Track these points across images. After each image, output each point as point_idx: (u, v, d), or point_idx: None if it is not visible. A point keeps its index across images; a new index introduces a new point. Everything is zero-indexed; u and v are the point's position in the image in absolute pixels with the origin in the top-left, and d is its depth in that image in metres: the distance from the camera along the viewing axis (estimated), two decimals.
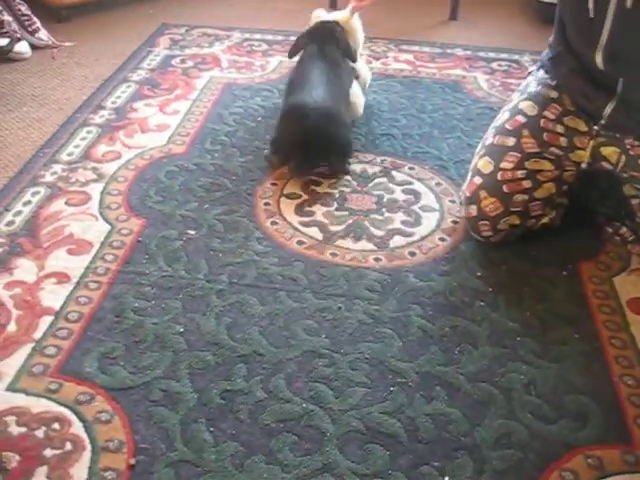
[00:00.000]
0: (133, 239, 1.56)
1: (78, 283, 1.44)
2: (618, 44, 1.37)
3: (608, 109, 1.47)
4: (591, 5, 1.35)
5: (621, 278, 1.52)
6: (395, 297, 1.43)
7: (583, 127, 1.53)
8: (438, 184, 1.80)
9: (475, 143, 1.88)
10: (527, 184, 1.52)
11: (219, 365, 1.27)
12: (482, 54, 2.57)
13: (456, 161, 1.89)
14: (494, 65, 2.49)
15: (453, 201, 1.73)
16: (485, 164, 1.56)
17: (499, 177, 1.53)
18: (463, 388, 1.25)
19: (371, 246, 1.58)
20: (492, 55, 2.57)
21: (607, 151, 1.52)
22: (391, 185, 1.78)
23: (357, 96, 1.97)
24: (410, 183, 1.80)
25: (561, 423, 1.19)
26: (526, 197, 1.52)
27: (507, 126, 1.58)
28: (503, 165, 1.53)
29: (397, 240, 1.60)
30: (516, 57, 2.54)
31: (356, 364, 1.28)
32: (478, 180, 1.55)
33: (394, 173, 1.83)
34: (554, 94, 1.57)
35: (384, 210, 1.69)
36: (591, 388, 1.26)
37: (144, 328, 1.34)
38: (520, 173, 1.52)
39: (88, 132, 1.98)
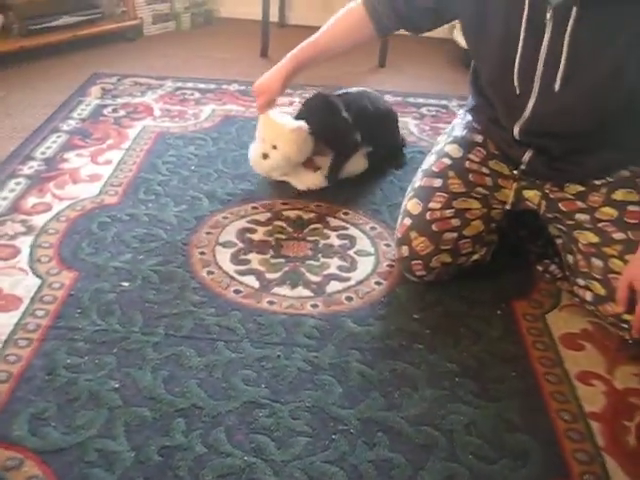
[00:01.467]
0: (65, 293, 1.52)
1: (7, 341, 1.38)
2: (539, 121, 1.43)
3: (526, 157, 1.52)
4: (516, 83, 1.40)
5: (553, 315, 1.56)
6: (334, 343, 1.43)
7: (506, 171, 1.59)
8: (372, 228, 1.82)
9: (407, 186, 1.91)
10: (456, 222, 1.55)
11: (157, 420, 1.23)
12: (411, 99, 2.64)
13: (389, 205, 1.92)
14: (423, 110, 2.56)
15: (388, 245, 1.75)
16: (414, 205, 1.59)
17: (428, 217, 1.56)
18: (405, 432, 1.24)
19: (308, 292, 1.57)
20: (421, 100, 2.64)
21: (529, 194, 1.58)
22: (326, 230, 1.80)
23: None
24: (345, 228, 1.81)
25: (502, 462, 1.20)
26: (455, 235, 1.55)
27: (434, 168, 1.63)
28: (431, 205, 1.57)
29: (334, 285, 1.60)
30: (444, 102, 2.62)
31: (297, 413, 1.27)
32: (408, 221, 1.58)
33: (329, 218, 1.85)
34: (479, 138, 1.62)
35: (320, 256, 1.70)
36: (530, 425, 1.28)
37: (77, 385, 1.29)
38: (448, 212, 1.56)
39: (17, 184, 1.94)
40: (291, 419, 1.25)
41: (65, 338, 1.40)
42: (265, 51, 3.04)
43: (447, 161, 1.62)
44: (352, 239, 1.77)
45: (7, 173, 1.99)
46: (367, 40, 1.72)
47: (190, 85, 2.68)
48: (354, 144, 2.00)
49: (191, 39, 3.27)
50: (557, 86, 1.34)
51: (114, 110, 2.42)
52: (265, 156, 1.89)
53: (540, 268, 1.68)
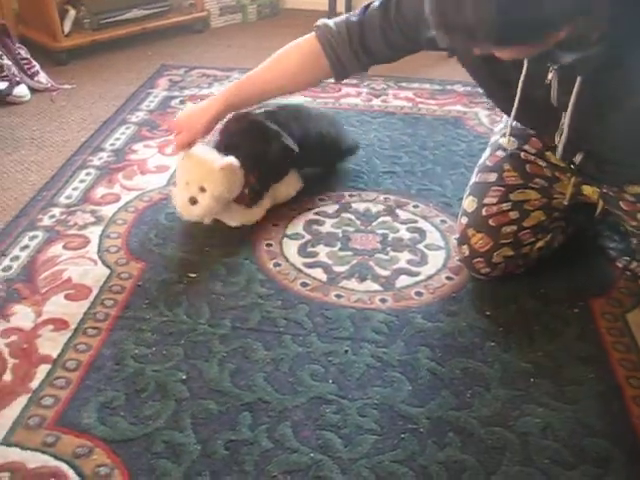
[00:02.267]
0: (133, 283, 1.53)
1: (76, 330, 1.40)
2: (577, 140, 1.33)
3: (577, 158, 1.43)
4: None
5: (634, 314, 1.48)
6: (403, 339, 1.39)
7: (562, 163, 1.50)
8: (443, 222, 1.77)
9: None
10: (514, 215, 1.49)
11: (223, 414, 1.22)
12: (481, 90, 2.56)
13: (460, 198, 1.84)
14: None
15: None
16: (470, 203, 1.54)
17: (484, 212, 1.50)
18: (477, 433, 1.20)
19: (377, 286, 1.54)
20: None
21: (587, 190, 1.49)
22: (395, 224, 1.75)
23: None
24: (415, 221, 1.77)
25: (581, 469, 1.14)
26: (514, 227, 1.49)
27: (488, 162, 1.57)
28: (487, 201, 1.51)
29: (403, 280, 1.56)
30: None
31: (365, 410, 1.23)
32: (465, 220, 1.54)
33: (398, 211, 1.80)
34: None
35: (389, 249, 1.66)
36: (610, 430, 1.21)
37: (145, 376, 1.29)
38: (505, 205, 1.49)
39: (87, 174, 1.96)
40: (359, 416, 1.22)
41: (133, 328, 1.40)
42: (333, 10, 2.99)
43: (501, 153, 1.56)
44: (422, 232, 1.73)
45: (78, 164, 2.02)
46: (317, 83, 1.58)
47: None
48: (285, 171, 1.79)
49: (257, 30, 3.26)
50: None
51: (181, 102, 2.43)
52: (193, 201, 1.60)
53: (620, 265, 1.60)
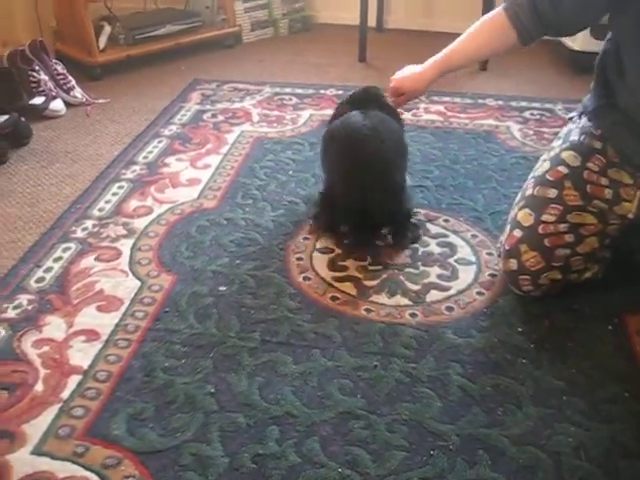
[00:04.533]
0: (164, 296, 1.54)
1: (107, 341, 1.41)
2: None
3: None
4: None
5: None
6: (433, 355, 1.38)
7: (628, 179, 1.48)
8: (474, 236, 1.75)
9: (511, 194, 1.85)
10: (569, 238, 1.46)
11: (251, 427, 1.22)
12: (514, 103, 2.55)
13: (492, 212, 1.85)
14: (526, 114, 2.46)
15: (490, 254, 1.68)
16: (525, 216, 1.50)
17: (540, 230, 1.47)
18: (508, 452, 1.18)
19: (406, 301, 1.53)
20: (524, 104, 2.54)
21: None
22: (426, 238, 1.74)
23: None
24: (445, 235, 1.75)
25: None
26: (568, 251, 1.46)
27: (548, 177, 1.53)
28: (544, 218, 1.48)
29: (433, 294, 1.55)
30: (549, 106, 2.51)
31: (394, 426, 1.22)
32: (518, 233, 1.50)
33: (428, 225, 1.79)
34: (598, 144, 1.51)
35: (419, 264, 1.65)
36: None
37: (174, 388, 1.30)
38: (562, 227, 1.46)
39: (120, 187, 1.99)
40: (387, 432, 1.21)
41: (163, 340, 1.41)
42: (363, 56, 3.01)
43: (564, 170, 1.52)
44: (453, 247, 1.71)
45: (111, 177, 2.05)
46: (507, 49, 1.63)
47: (288, 90, 2.68)
48: None
49: (289, 45, 3.29)
50: None
51: (213, 115, 2.45)
52: None
53: None
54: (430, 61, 1.68)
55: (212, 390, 1.29)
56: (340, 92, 2.63)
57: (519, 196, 1.58)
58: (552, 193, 1.50)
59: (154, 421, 1.23)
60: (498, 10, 1.55)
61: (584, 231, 1.47)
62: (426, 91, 1.75)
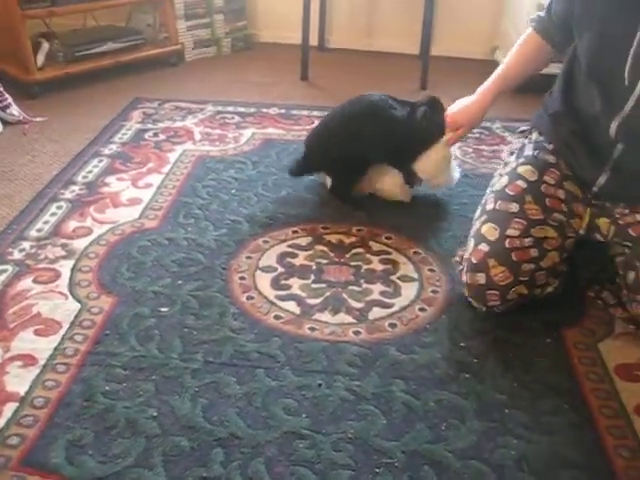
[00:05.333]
0: (104, 318, 1.50)
1: (45, 366, 1.37)
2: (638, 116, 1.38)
3: (602, 179, 1.47)
4: (627, 74, 1.34)
5: (606, 344, 1.49)
6: (377, 372, 1.38)
7: (579, 193, 1.53)
8: (416, 253, 1.77)
9: (453, 210, 1.88)
10: (534, 252, 1.48)
11: (195, 450, 1.20)
12: None
13: (433, 229, 1.87)
14: None
15: (432, 270, 1.70)
16: (490, 230, 1.51)
17: (507, 244, 1.48)
18: (452, 467, 1.19)
19: (350, 319, 1.53)
20: None
21: (600, 222, 1.52)
22: (368, 255, 1.75)
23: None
24: (388, 252, 1.77)
25: None
26: (533, 266, 1.48)
27: (508, 191, 1.56)
28: (509, 232, 1.49)
29: (376, 312, 1.56)
30: (487, 124, 2.56)
31: (339, 445, 1.22)
32: (485, 247, 1.50)
33: (371, 243, 1.81)
34: (552, 159, 1.57)
35: (362, 281, 1.66)
36: (585, 461, 1.21)
37: (115, 413, 1.27)
38: (527, 241, 1.48)
39: (58, 208, 1.94)
40: (333, 451, 1.21)
41: (103, 364, 1.38)
42: (305, 74, 3.03)
43: (522, 184, 1.55)
44: (395, 264, 1.73)
45: (49, 197, 2.00)
46: (545, 65, 1.75)
47: (230, 109, 2.67)
48: None
49: (231, 64, 3.28)
50: None
51: (155, 134, 2.43)
52: None
53: (592, 294, 1.61)
54: (482, 89, 1.79)
55: (154, 414, 1.27)
56: (282, 111, 2.64)
57: (479, 211, 1.61)
58: (514, 207, 1.52)
59: (94, 447, 1.20)
60: (528, 32, 1.69)
61: (547, 245, 1.50)
62: (483, 119, 1.85)
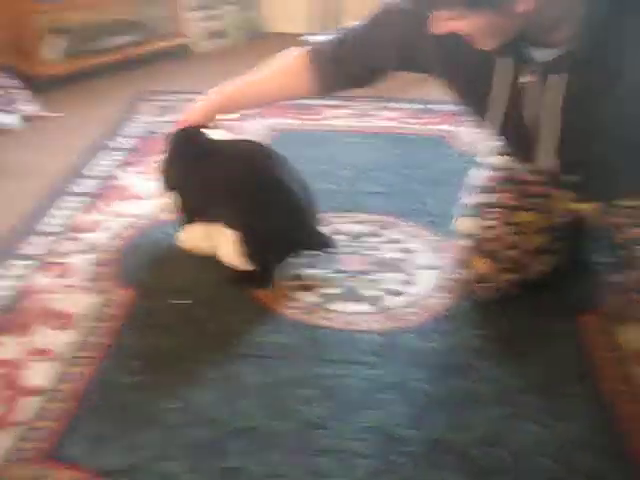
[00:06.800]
0: (121, 311, 1.51)
1: (65, 360, 1.38)
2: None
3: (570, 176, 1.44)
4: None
5: (625, 328, 1.48)
6: (394, 360, 1.38)
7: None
8: (430, 241, 1.77)
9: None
10: (514, 239, 1.49)
11: (214, 441, 1.20)
12: None
13: (446, 216, 1.86)
14: None
15: (448, 257, 1.69)
16: (468, 225, 1.53)
17: (485, 235, 1.50)
18: (471, 454, 1.19)
19: (367, 308, 1.53)
20: None
21: (582, 206, 1.50)
22: (384, 244, 1.75)
23: None
24: (402, 241, 1.77)
25: None
26: (516, 252, 1.49)
27: (483, 183, 1.57)
28: (487, 223, 1.51)
29: (393, 300, 1.56)
30: None
31: (358, 434, 1.22)
32: (465, 242, 1.53)
33: (385, 231, 1.80)
34: None
35: (377, 270, 1.65)
36: (603, 446, 1.20)
37: (134, 405, 1.28)
38: (505, 229, 1.49)
39: (73, 202, 1.95)
40: (351, 440, 1.21)
41: (122, 357, 1.39)
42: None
43: (497, 174, 1.56)
44: (410, 252, 1.72)
45: (62, 192, 2.01)
46: (305, 95, 1.62)
47: None
48: None
49: (240, 54, 3.27)
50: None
51: (165, 126, 2.43)
52: None
53: (609, 279, 1.60)
54: (219, 91, 1.64)
55: (173, 405, 1.27)
56: (295, 101, 2.63)
57: (461, 207, 1.61)
58: (491, 198, 1.53)
59: (115, 439, 1.21)
60: (297, 55, 1.54)
61: (526, 229, 1.50)
62: (205, 116, 1.66)
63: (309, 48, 1.53)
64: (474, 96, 1.38)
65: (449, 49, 1.30)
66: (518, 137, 1.40)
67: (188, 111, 1.68)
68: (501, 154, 1.57)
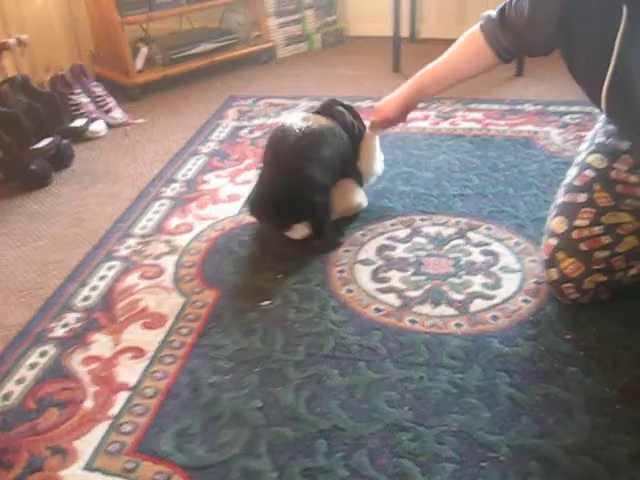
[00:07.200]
0: (207, 311, 1.55)
1: (153, 357, 1.42)
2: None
3: None
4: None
5: None
6: (480, 364, 1.36)
7: None
8: (517, 244, 1.73)
9: (552, 200, 1.81)
10: (606, 239, 1.44)
11: (299, 441, 1.21)
12: (552, 108, 2.52)
13: (534, 219, 1.82)
14: (566, 119, 2.43)
15: (534, 260, 1.65)
16: (558, 224, 1.49)
17: (575, 236, 1.46)
18: (561, 463, 1.15)
19: (451, 311, 1.51)
20: (563, 109, 2.51)
21: None
22: (468, 247, 1.73)
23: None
24: (488, 244, 1.73)
25: None
26: (607, 253, 1.44)
27: (576, 182, 1.52)
28: (577, 223, 1.46)
29: (478, 304, 1.53)
30: (588, 109, 2.47)
31: (443, 438, 1.21)
32: (554, 241, 1.49)
33: (470, 234, 1.78)
34: (625, 145, 1.49)
35: (462, 273, 1.63)
36: None
37: (220, 403, 1.30)
38: (597, 229, 1.45)
39: (161, 205, 2.01)
40: (436, 444, 1.19)
41: (208, 356, 1.42)
42: (397, 66, 3.01)
43: (590, 173, 1.51)
44: (496, 255, 1.69)
45: (152, 196, 2.07)
46: (488, 68, 1.63)
47: None
48: None
49: (323, 58, 3.30)
50: None
51: (250, 131, 2.47)
52: None
53: None
54: (408, 82, 1.72)
55: (259, 405, 1.29)
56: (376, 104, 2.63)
57: (552, 205, 1.57)
58: (582, 198, 1.49)
59: (201, 436, 1.23)
60: (473, 30, 1.58)
61: (621, 230, 1.45)
62: (399, 113, 1.78)
63: (482, 22, 1.57)
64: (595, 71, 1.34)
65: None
66: (633, 118, 1.35)
67: (378, 109, 1.82)
68: (600, 152, 1.52)
